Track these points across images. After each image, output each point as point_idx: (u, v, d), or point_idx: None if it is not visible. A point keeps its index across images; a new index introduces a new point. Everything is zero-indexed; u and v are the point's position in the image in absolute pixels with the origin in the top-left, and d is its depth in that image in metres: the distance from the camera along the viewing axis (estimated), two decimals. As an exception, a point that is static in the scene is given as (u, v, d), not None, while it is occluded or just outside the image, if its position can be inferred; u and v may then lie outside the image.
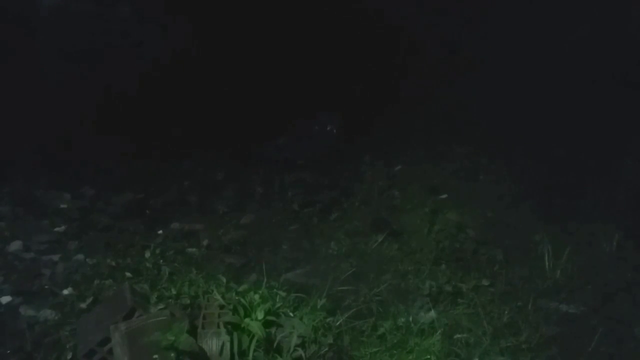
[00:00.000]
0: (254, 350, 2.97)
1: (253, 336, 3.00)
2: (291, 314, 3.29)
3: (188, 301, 3.48)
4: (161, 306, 3.31)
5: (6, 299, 3.86)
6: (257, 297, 3.28)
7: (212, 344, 2.97)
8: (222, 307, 3.22)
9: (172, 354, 2.84)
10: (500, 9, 7.04)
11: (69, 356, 3.22)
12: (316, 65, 7.10)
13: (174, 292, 3.61)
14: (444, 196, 5.52)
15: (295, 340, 3.06)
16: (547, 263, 4.27)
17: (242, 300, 3.24)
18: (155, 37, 6.78)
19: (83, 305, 3.68)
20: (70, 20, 6.66)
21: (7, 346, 3.35)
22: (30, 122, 5.94)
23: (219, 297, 3.31)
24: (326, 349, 3.16)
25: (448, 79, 7.05)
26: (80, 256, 4.47)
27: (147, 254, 4.36)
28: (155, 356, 2.87)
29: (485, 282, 4.08)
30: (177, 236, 4.88)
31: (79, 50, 6.54)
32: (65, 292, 3.92)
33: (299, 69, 7.07)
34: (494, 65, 6.83)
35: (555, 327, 3.62)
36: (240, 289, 3.48)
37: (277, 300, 3.40)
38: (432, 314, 3.58)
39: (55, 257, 4.47)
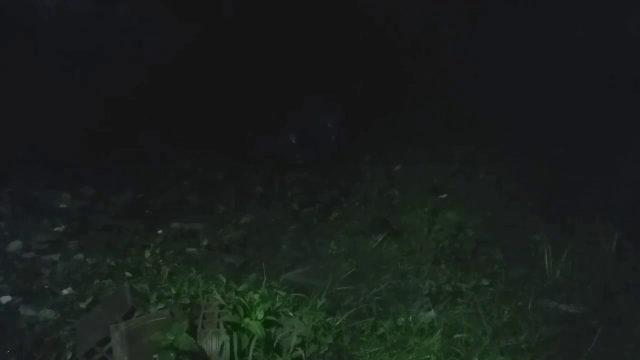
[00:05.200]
0: (254, 350, 2.97)
1: (253, 336, 3.00)
2: (291, 314, 3.29)
3: (188, 301, 3.48)
4: (161, 306, 3.30)
5: (6, 299, 3.85)
6: (257, 297, 3.27)
7: (212, 344, 2.97)
8: (222, 307, 3.22)
9: (172, 354, 2.84)
10: (500, 9, 7.04)
11: (69, 356, 3.22)
12: (316, 65, 7.10)
13: (174, 292, 3.61)
14: (444, 196, 5.52)
15: (295, 340, 3.06)
16: (547, 263, 4.27)
17: (242, 300, 3.24)
18: (155, 37, 6.78)
19: (83, 305, 3.68)
20: (70, 20, 6.66)
21: (7, 346, 3.35)
22: (31, 122, 5.94)
23: (219, 297, 3.31)
24: (326, 349, 3.16)
25: (448, 79, 7.05)
26: (80, 256, 4.47)
27: (147, 254, 4.36)
28: (155, 356, 2.87)
29: (485, 282, 4.08)
30: (177, 236, 4.88)
31: (79, 50, 6.54)
32: (65, 292, 3.92)
33: (299, 69, 7.07)
34: (494, 65, 6.83)
35: (555, 327, 3.62)
36: (240, 289, 3.48)
37: (277, 300, 3.40)
38: (432, 314, 3.58)
39: (55, 257, 4.47)
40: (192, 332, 2.96)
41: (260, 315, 3.11)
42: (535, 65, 6.71)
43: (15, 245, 4.59)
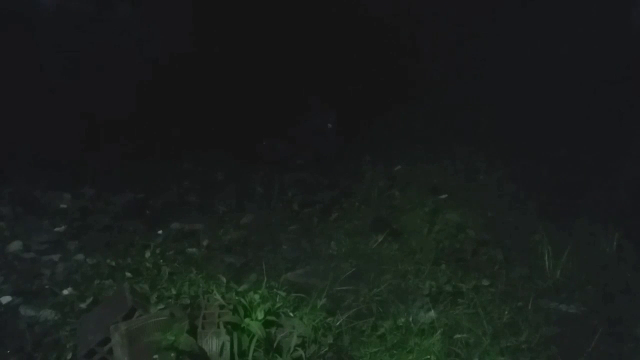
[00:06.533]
0: (254, 350, 2.97)
1: (253, 336, 3.00)
2: (291, 314, 3.29)
3: (188, 301, 3.48)
4: (161, 306, 3.30)
5: (6, 299, 3.86)
6: (257, 297, 3.28)
7: (212, 344, 2.97)
8: (222, 307, 3.22)
9: (172, 354, 2.84)
10: (500, 9, 7.04)
11: (69, 356, 3.21)
12: (316, 65, 7.10)
13: (174, 292, 3.61)
14: (444, 196, 5.52)
15: (295, 340, 3.06)
16: (547, 263, 4.27)
17: (242, 300, 3.24)
18: (155, 37, 6.78)
19: (83, 305, 3.68)
20: (70, 20, 6.66)
21: (7, 346, 3.35)
22: (31, 122, 5.94)
23: (219, 297, 3.31)
24: (326, 349, 3.16)
25: (448, 79, 7.05)
26: (80, 256, 4.47)
27: (147, 254, 4.36)
28: (155, 356, 2.87)
29: (485, 282, 4.08)
30: (177, 236, 4.88)
31: (79, 50, 6.54)
32: (65, 292, 3.92)
33: (298, 68, 7.07)
34: (494, 65, 6.83)
35: (555, 327, 3.62)
36: (240, 289, 3.48)
37: (277, 300, 3.40)
38: (432, 314, 3.58)
39: (55, 257, 4.47)
40: (192, 332, 2.96)
41: (260, 315, 3.11)
42: (535, 65, 6.71)
43: (15, 245, 4.59)
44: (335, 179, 6.18)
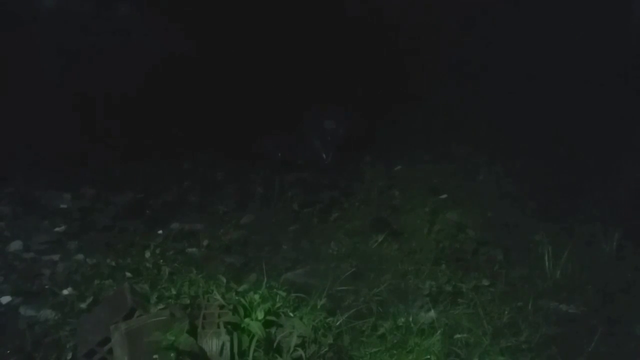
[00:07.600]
0: (254, 350, 2.97)
1: (253, 336, 3.00)
2: (291, 314, 3.29)
3: (188, 301, 3.48)
4: (161, 306, 3.30)
5: (6, 299, 3.86)
6: (257, 297, 3.27)
7: (212, 344, 2.97)
8: (222, 307, 3.22)
9: (172, 354, 2.84)
10: (500, 9, 7.04)
11: (69, 356, 3.22)
12: (316, 65, 7.10)
13: (174, 292, 3.61)
14: (444, 196, 5.52)
15: (295, 340, 3.06)
16: (547, 263, 4.27)
17: (242, 300, 3.24)
18: (155, 37, 6.77)
19: (83, 305, 3.68)
20: (70, 20, 6.66)
21: (7, 346, 3.35)
22: (30, 122, 5.94)
23: (219, 297, 3.31)
24: (326, 349, 3.16)
25: (448, 79, 7.05)
26: (80, 256, 4.47)
27: (147, 254, 4.36)
28: (155, 356, 2.87)
29: (485, 282, 4.08)
30: (177, 236, 4.87)
31: (79, 50, 6.54)
32: (65, 292, 3.92)
33: (299, 69, 7.07)
34: (494, 65, 6.83)
35: (555, 327, 3.62)
36: (240, 289, 3.48)
37: (277, 300, 3.39)
38: (432, 314, 3.58)
39: (55, 257, 4.47)
40: (192, 332, 2.96)
41: (260, 315, 3.11)
42: (535, 65, 6.71)
43: (15, 245, 4.59)
44: (335, 179, 6.18)
